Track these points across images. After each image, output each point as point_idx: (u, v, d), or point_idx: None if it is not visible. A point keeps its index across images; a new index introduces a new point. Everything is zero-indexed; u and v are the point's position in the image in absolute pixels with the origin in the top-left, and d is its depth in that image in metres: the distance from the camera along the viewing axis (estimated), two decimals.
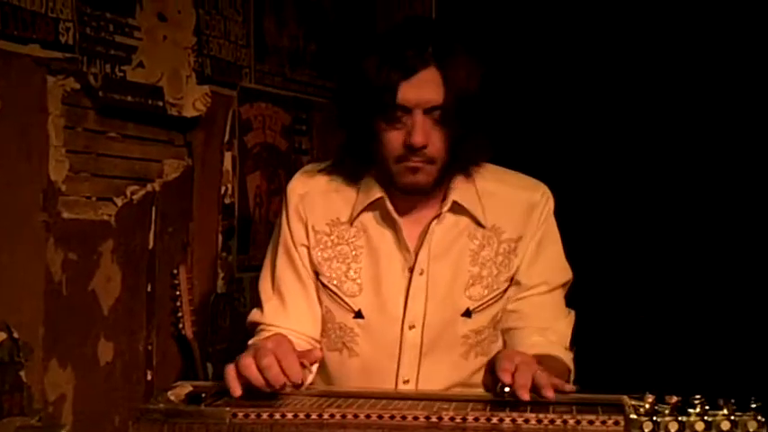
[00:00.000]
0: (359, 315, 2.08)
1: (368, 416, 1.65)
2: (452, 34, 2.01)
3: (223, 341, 3.25)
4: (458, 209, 2.08)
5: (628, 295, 4.02)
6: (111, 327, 2.75)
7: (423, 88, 1.93)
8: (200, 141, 3.13)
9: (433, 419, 1.64)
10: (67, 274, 2.57)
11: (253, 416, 1.67)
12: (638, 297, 4.03)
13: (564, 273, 2.16)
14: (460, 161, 2.04)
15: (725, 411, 1.51)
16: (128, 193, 2.82)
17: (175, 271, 2.99)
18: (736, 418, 1.51)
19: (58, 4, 2.48)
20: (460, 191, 2.07)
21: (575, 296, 2.17)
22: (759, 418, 1.51)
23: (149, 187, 2.92)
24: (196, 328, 3.02)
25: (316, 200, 2.12)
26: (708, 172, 4.00)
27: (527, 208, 2.11)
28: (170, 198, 3.00)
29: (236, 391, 1.73)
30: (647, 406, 1.53)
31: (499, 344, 2.14)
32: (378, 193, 2.07)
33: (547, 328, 2.08)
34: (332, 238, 2.11)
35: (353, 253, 2.09)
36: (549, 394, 1.71)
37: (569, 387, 1.79)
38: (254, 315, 2.16)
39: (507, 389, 1.72)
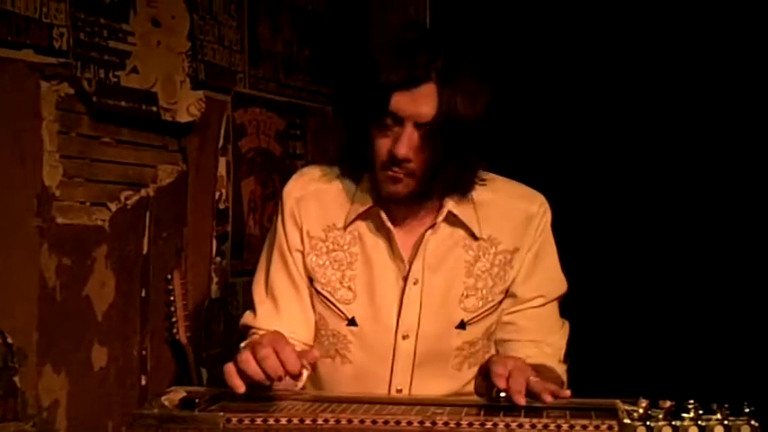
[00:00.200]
0: (352, 323, 2.08)
1: (362, 421, 1.65)
2: (459, 50, 1.97)
3: (217, 346, 3.25)
4: (453, 219, 2.07)
5: (621, 300, 4.01)
6: (106, 332, 2.75)
7: (418, 102, 1.92)
8: (194, 146, 3.13)
9: (427, 424, 1.64)
10: (61, 279, 2.57)
11: (247, 421, 1.67)
12: (632, 302, 4.03)
13: (560, 285, 2.15)
14: (450, 177, 2.01)
15: (718, 416, 1.51)
16: (122, 199, 2.82)
17: (169, 276, 2.99)
18: (730, 423, 1.51)
19: (51, 9, 2.48)
20: (456, 201, 2.06)
21: (568, 301, 2.17)
22: (752, 422, 1.51)
23: (143, 192, 2.92)
24: (190, 333, 3.02)
25: (311, 204, 2.12)
26: (699, 185, 4.00)
27: (524, 219, 2.10)
28: (164, 203, 3.00)
29: (240, 387, 1.73)
30: (641, 411, 1.53)
31: (492, 354, 2.14)
32: (372, 201, 2.07)
33: (541, 341, 2.08)
34: (327, 243, 2.10)
35: (348, 260, 2.09)
36: (548, 398, 1.71)
37: (565, 392, 1.79)
38: (247, 318, 2.16)
39: (503, 394, 1.72)
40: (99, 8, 2.67)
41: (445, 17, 4.06)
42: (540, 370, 1.90)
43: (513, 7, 4.14)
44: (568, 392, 1.80)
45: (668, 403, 1.53)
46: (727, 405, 1.52)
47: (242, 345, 2.07)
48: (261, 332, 2.08)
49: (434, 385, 2.07)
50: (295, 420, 1.66)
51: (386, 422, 1.65)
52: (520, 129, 3.82)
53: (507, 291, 2.10)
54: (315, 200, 2.12)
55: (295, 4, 3.74)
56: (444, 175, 1.99)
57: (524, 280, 2.10)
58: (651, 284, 4.02)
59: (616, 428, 1.57)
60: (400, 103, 1.92)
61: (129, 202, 2.84)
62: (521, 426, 1.63)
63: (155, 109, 2.89)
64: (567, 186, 3.45)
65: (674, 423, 1.51)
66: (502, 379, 1.75)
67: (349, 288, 2.08)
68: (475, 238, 2.08)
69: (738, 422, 1.51)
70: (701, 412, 1.52)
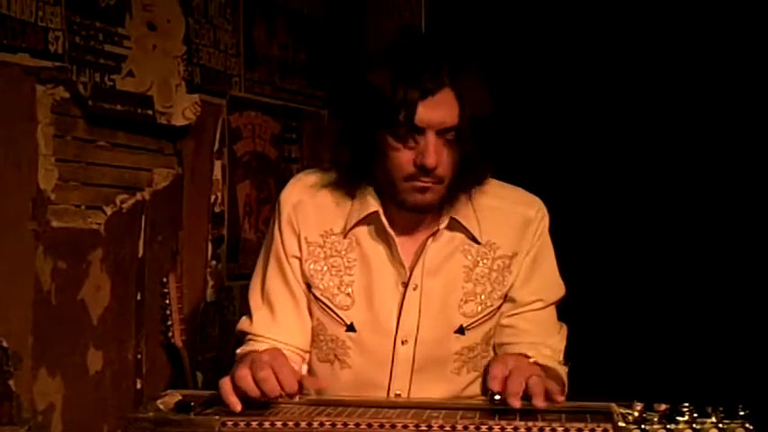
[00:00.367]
0: (351, 328, 2.07)
1: (357, 424, 1.65)
2: (465, 52, 1.99)
3: (212, 350, 3.24)
4: (454, 225, 2.07)
5: (617, 304, 4.02)
6: (101, 336, 2.75)
7: (438, 110, 1.92)
8: (189, 150, 3.13)
9: (423, 427, 1.64)
10: (57, 282, 2.57)
11: (242, 424, 1.67)
12: (628, 306, 4.04)
13: (558, 289, 2.15)
14: (467, 181, 2.03)
15: (713, 419, 1.52)
16: (117, 202, 2.82)
17: (165, 279, 2.99)
18: (725, 426, 1.52)
19: (47, 13, 2.48)
20: (457, 207, 2.06)
21: (564, 304, 2.17)
22: (747, 425, 1.52)
23: (139, 196, 2.92)
24: (185, 336, 3.02)
25: (309, 210, 2.11)
26: (694, 191, 4.01)
27: (522, 224, 2.10)
28: (159, 207, 3.00)
29: (237, 406, 1.73)
30: (636, 414, 1.54)
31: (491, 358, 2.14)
32: (373, 206, 2.05)
33: (541, 344, 2.08)
34: (324, 249, 2.09)
35: (346, 265, 2.08)
36: (540, 404, 1.71)
37: (560, 398, 1.79)
38: (244, 324, 2.15)
39: (497, 396, 1.72)
40: (94, 12, 2.67)
41: (440, 20, 4.06)
42: (543, 369, 1.90)
43: (507, 9, 4.15)
44: (561, 398, 1.79)
45: (663, 406, 1.53)
46: (721, 408, 1.53)
47: (238, 351, 2.07)
48: (257, 338, 2.08)
49: (433, 390, 2.07)
50: (291, 424, 1.66)
51: (381, 425, 1.65)
52: (518, 133, 3.82)
53: (506, 296, 2.10)
54: (312, 205, 2.11)
55: (290, 7, 3.75)
56: (466, 176, 2.01)
57: (523, 284, 2.10)
58: (647, 288, 4.02)
59: (611, 431, 1.57)
60: (421, 114, 1.91)
61: (124, 205, 2.85)
62: (516, 429, 1.62)
63: (150, 112, 2.89)
64: (564, 191, 3.45)
65: (669, 426, 1.51)
66: (497, 381, 1.74)
67: (347, 294, 2.07)
68: (475, 242, 2.07)
69: (733, 425, 1.51)
70: (695, 415, 1.52)
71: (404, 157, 1.95)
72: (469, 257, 2.08)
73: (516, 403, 1.70)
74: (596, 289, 3.74)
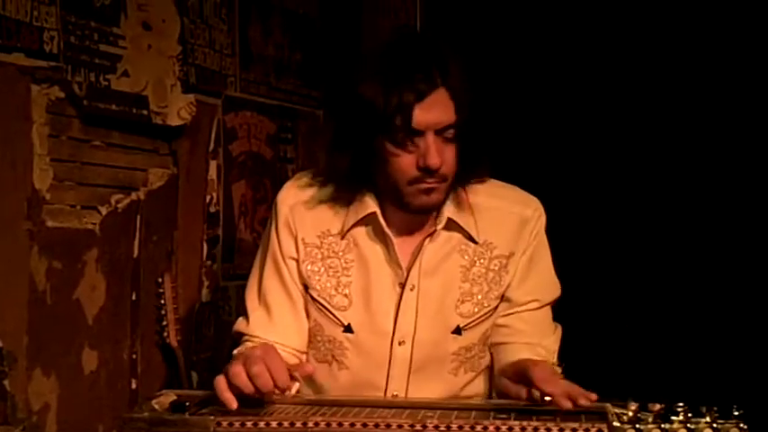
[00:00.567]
0: (348, 329, 2.08)
1: (352, 424, 1.66)
2: (450, 50, 1.99)
3: (208, 350, 3.24)
4: (451, 225, 2.07)
5: (612, 304, 4.02)
6: (96, 335, 2.75)
7: (435, 110, 1.92)
8: (184, 150, 3.13)
9: (418, 427, 1.64)
10: (52, 282, 2.57)
11: (237, 424, 1.67)
12: (623, 306, 4.04)
13: (554, 289, 2.15)
14: (468, 176, 2.04)
15: (707, 419, 1.52)
16: (112, 202, 2.82)
17: (160, 279, 2.99)
18: (719, 426, 1.52)
19: (42, 12, 2.48)
20: (455, 207, 2.06)
21: (559, 304, 2.17)
22: (741, 425, 1.52)
23: (134, 196, 2.91)
24: (181, 336, 3.01)
25: (306, 211, 2.11)
26: (690, 193, 4.01)
27: (519, 224, 2.10)
28: (155, 207, 3.00)
29: (232, 403, 1.73)
30: (631, 414, 1.54)
31: (488, 359, 2.14)
32: (371, 207, 2.06)
33: (536, 344, 2.08)
34: (322, 250, 2.09)
35: (343, 266, 2.08)
36: (585, 402, 1.71)
37: (593, 396, 1.79)
38: (240, 325, 2.15)
39: (548, 398, 1.73)
40: (89, 12, 2.67)
41: (436, 20, 4.06)
42: None
43: (504, 8, 4.15)
44: (595, 396, 1.80)
45: (658, 406, 1.54)
46: (716, 408, 1.53)
47: (234, 352, 2.07)
48: (254, 339, 2.09)
49: (431, 390, 2.07)
50: (285, 423, 1.66)
51: (376, 425, 1.65)
52: (514, 132, 3.83)
53: (503, 296, 2.10)
54: (309, 206, 2.11)
55: (286, 7, 3.74)
56: (466, 173, 2.02)
57: (519, 284, 2.10)
58: (642, 289, 4.03)
59: (606, 431, 1.58)
60: (419, 116, 1.91)
61: (119, 205, 2.84)
62: (510, 429, 1.63)
63: (145, 112, 2.89)
64: (560, 190, 3.45)
65: (663, 426, 1.52)
66: (547, 383, 1.76)
67: (345, 295, 2.08)
68: (473, 242, 2.08)
69: (727, 425, 1.52)
70: (690, 415, 1.53)
71: (405, 162, 1.95)
72: (466, 257, 2.08)
73: (567, 404, 1.70)
74: (591, 289, 3.75)
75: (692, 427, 1.51)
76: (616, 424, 1.53)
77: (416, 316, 2.05)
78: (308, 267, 2.09)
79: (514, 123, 3.84)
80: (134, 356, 2.91)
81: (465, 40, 3.58)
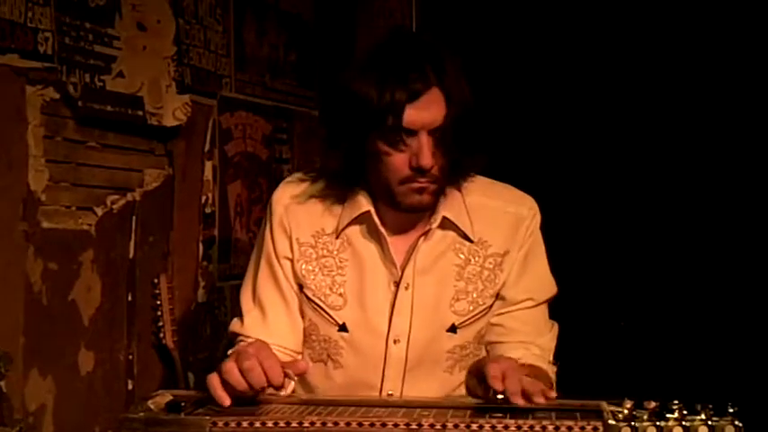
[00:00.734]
0: (343, 328, 2.08)
1: (348, 423, 1.65)
2: (444, 49, 1.99)
3: (204, 350, 3.24)
4: (446, 223, 2.07)
5: (607, 301, 4.03)
6: (92, 336, 2.75)
7: (428, 110, 1.92)
8: (180, 151, 3.13)
9: (413, 426, 1.64)
10: (47, 283, 2.57)
11: (233, 424, 1.66)
12: (618, 303, 4.05)
13: (550, 288, 2.15)
14: (460, 176, 2.04)
15: (702, 416, 1.52)
16: (108, 203, 2.82)
17: (156, 280, 2.99)
18: (714, 424, 1.52)
19: (36, 13, 2.48)
20: (449, 205, 2.06)
21: (554, 303, 2.17)
22: (736, 423, 1.52)
23: (129, 197, 2.91)
24: (177, 337, 3.01)
25: (300, 211, 2.11)
26: (680, 188, 4.02)
27: (514, 222, 2.10)
28: (150, 207, 3.00)
29: (225, 401, 1.73)
30: (626, 411, 1.54)
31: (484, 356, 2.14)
32: (365, 206, 2.06)
33: (531, 343, 2.08)
34: (316, 249, 2.09)
35: (338, 265, 2.08)
36: (540, 400, 1.71)
37: (552, 393, 1.80)
38: (235, 326, 2.15)
39: (500, 395, 1.73)
40: (84, 12, 2.66)
41: (432, 20, 4.07)
42: (531, 371, 1.90)
43: (499, 7, 4.15)
44: (554, 394, 1.80)
45: (653, 404, 1.54)
46: (711, 405, 1.53)
47: (229, 352, 2.07)
48: (249, 340, 2.07)
49: (426, 389, 2.07)
50: (281, 423, 1.66)
51: (372, 424, 1.65)
52: (510, 131, 3.83)
53: (498, 294, 2.10)
54: (304, 206, 2.11)
55: (281, 8, 3.75)
56: (458, 172, 2.02)
57: (514, 282, 2.10)
58: (637, 287, 4.04)
59: (601, 429, 1.58)
60: (413, 116, 1.91)
61: (115, 206, 2.84)
62: (506, 427, 1.63)
63: (141, 113, 2.89)
64: (555, 189, 3.46)
65: (658, 423, 1.52)
66: (497, 380, 1.75)
67: (339, 294, 2.08)
68: (468, 240, 2.08)
69: (722, 422, 1.52)
70: (685, 413, 1.53)
71: (398, 161, 1.95)
72: (461, 256, 2.08)
73: (520, 401, 1.70)
74: (586, 287, 3.75)
75: (687, 424, 1.51)
76: (611, 422, 1.53)
77: (411, 314, 2.05)
78: (303, 267, 2.09)
79: (509, 123, 3.84)
80: (130, 357, 2.91)
81: (460, 40, 3.58)
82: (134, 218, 2.93)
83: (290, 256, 2.10)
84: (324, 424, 1.66)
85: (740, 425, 1.52)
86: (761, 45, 3.89)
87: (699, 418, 1.52)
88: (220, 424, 1.66)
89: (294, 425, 1.66)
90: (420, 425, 1.64)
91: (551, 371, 2.08)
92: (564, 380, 2.08)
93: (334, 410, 1.71)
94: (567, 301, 2.17)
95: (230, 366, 1.74)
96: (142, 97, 2.89)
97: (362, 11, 4.18)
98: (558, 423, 1.62)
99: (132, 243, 2.92)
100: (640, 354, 3.94)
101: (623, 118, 4.08)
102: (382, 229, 2.05)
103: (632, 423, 1.52)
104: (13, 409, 2.45)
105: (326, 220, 2.10)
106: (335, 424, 1.65)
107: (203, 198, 3.25)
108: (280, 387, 1.78)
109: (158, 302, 2.98)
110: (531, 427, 1.62)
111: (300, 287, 2.10)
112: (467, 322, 2.08)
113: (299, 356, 2.12)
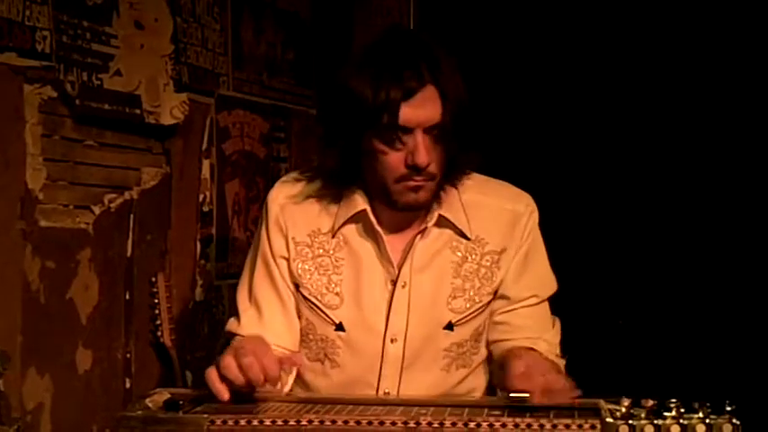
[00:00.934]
0: (340, 328, 2.08)
1: (345, 421, 1.66)
2: (439, 47, 1.99)
3: (202, 349, 3.24)
4: (442, 221, 2.07)
5: (605, 300, 4.03)
6: (90, 335, 2.74)
7: (424, 108, 1.92)
8: (178, 149, 3.12)
9: (411, 424, 1.65)
10: (45, 282, 2.57)
11: (230, 422, 1.67)
12: (616, 302, 4.05)
13: (551, 284, 2.16)
14: (456, 174, 2.04)
15: (700, 414, 1.52)
16: (105, 201, 2.82)
17: (154, 279, 2.99)
18: (712, 422, 1.52)
19: (34, 12, 2.48)
20: (445, 204, 2.06)
21: (552, 300, 2.17)
22: (734, 421, 1.52)
23: (127, 195, 2.91)
24: (175, 335, 3.01)
25: (296, 210, 2.11)
26: (680, 185, 4.02)
27: (511, 220, 2.10)
28: (148, 206, 3.00)
29: (224, 394, 1.74)
30: (623, 410, 1.54)
31: (481, 355, 2.14)
32: (361, 205, 2.06)
33: (538, 338, 2.08)
34: (313, 249, 2.09)
35: (334, 264, 2.08)
36: (564, 400, 1.72)
37: (576, 391, 1.80)
38: (231, 325, 2.15)
39: (526, 394, 1.73)
40: (82, 11, 2.66)
41: (429, 18, 4.07)
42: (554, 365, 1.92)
43: (497, 6, 4.15)
44: (578, 391, 1.80)
45: (650, 402, 1.54)
46: (708, 404, 1.53)
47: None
48: None
49: (423, 387, 2.07)
50: (279, 422, 1.67)
51: (369, 423, 1.65)
52: (507, 129, 3.83)
53: (496, 292, 2.10)
54: (300, 205, 2.11)
55: (278, 6, 3.74)
56: (455, 170, 2.02)
57: (516, 280, 2.10)
58: (634, 285, 4.04)
59: (599, 427, 1.58)
60: (408, 114, 1.91)
61: (112, 204, 2.84)
62: (504, 425, 1.63)
63: (138, 112, 2.89)
64: (553, 186, 3.46)
65: (656, 422, 1.52)
66: (522, 379, 1.76)
67: (336, 293, 2.08)
68: (465, 238, 2.08)
69: (720, 420, 1.52)
70: (682, 411, 1.53)
71: (393, 159, 1.95)
72: (458, 253, 2.08)
73: (543, 400, 1.71)
74: (584, 286, 3.76)
75: (685, 422, 1.51)
76: (609, 420, 1.53)
77: (408, 313, 2.05)
78: (299, 266, 2.09)
79: (508, 120, 3.85)
80: (128, 356, 2.91)
81: (458, 38, 3.59)
82: (132, 216, 2.93)
83: (287, 256, 2.10)
84: (321, 422, 1.66)
85: (738, 423, 1.52)
86: (761, 45, 3.89)
87: (696, 416, 1.52)
88: (218, 422, 1.67)
89: (292, 423, 1.66)
90: (418, 423, 1.65)
91: (561, 364, 2.09)
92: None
93: (332, 409, 1.72)
94: (564, 300, 2.17)
95: (229, 361, 1.75)
96: (140, 96, 2.89)
97: (360, 9, 4.18)
98: (555, 421, 1.63)
99: (130, 241, 2.92)
100: (638, 352, 3.94)
101: (621, 115, 4.08)
102: (378, 228, 2.05)
103: (630, 421, 1.52)
104: (11, 407, 2.45)
105: (322, 220, 2.10)
106: (333, 422, 1.66)
107: (201, 196, 3.25)
108: (276, 383, 1.78)
109: (156, 301, 2.98)
110: (529, 425, 1.63)
111: (297, 287, 2.10)
112: (464, 320, 2.08)
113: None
